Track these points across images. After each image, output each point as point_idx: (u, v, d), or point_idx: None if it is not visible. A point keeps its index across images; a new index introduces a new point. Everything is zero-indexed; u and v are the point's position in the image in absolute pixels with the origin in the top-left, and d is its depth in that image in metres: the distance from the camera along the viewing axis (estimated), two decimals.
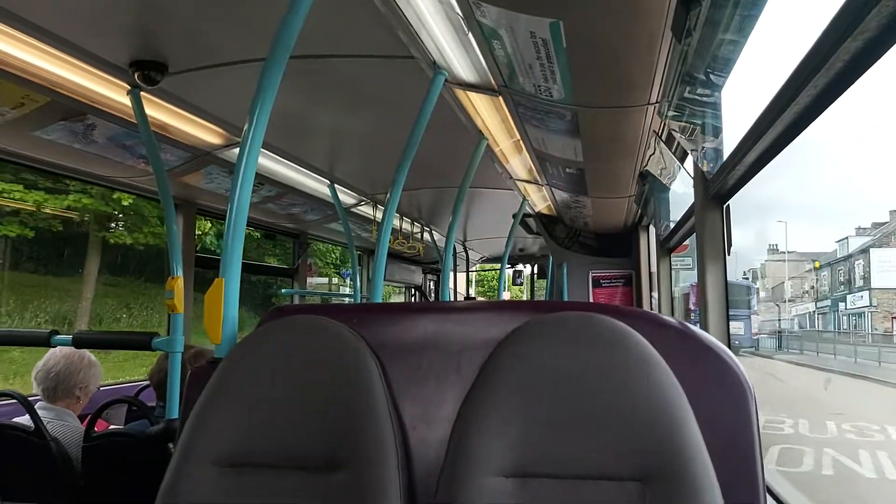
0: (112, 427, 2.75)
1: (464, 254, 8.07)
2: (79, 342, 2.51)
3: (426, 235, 6.14)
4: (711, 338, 1.06)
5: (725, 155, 1.82)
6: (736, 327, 22.34)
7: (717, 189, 1.99)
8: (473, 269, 9.52)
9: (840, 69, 1.11)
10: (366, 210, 4.97)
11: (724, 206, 2.07)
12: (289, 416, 1.07)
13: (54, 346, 2.54)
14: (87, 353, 2.65)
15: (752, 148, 1.59)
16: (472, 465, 0.97)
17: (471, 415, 1.02)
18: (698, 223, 2.16)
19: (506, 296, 13.30)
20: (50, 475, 2.30)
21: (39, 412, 2.36)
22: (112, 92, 2.47)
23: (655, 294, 4.52)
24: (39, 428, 2.29)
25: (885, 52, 1.02)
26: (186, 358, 2.67)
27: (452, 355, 1.12)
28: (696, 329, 1.07)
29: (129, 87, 2.42)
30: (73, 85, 2.37)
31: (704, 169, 1.98)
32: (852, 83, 1.15)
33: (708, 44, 1.47)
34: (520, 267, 10.33)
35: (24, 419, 2.35)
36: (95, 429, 2.35)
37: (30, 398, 2.43)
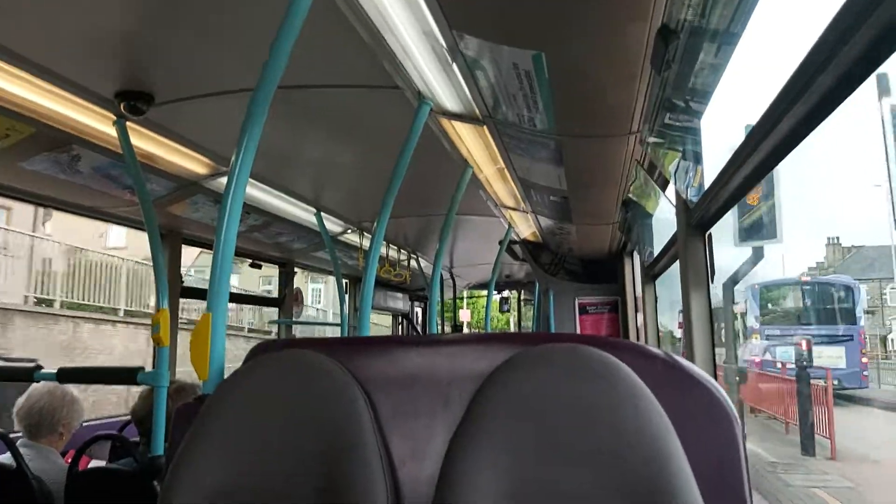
0: (95, 464, 2.71)
1: (451, 281, 8.07)
2: (63, 377, 2.48)
3: (413, 263, 6.14)
4: (698, 369, 1.07)
5: (706, 183, 1.85)
6: (832, 355, 13.47)
7: (699, 218, 2.02)
8: (461, 296, 9.50)
9: (818, 99, 1.14)
10: (352, 238, 4.97)
11: (706, 235, 2.10)
12: (276, 455, 1.06)
13: (38, 381, 2.51)
14: (70, 390, 2.61)
15: (733, 176, 1.62)
16: (463, 502, 0.97)
17: (459, 450, 1.01)
18: (681, 251, 2.18)
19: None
20: None
21: (21, 450, 2.32)
22: (97, 122, 2.47)
23: (641, 318, 4.53)
24: (21, 466, 2.24)
25: (862, 81, 1.05)
26: (169, 393, 2.64)
27: (441, 389, 1.11)
28: (683, 360, 1.08)
29: (114, 118, 2.42)
30: (58, 116, 2.37)
31: (686, 197, 2.01)
32: (831, 112, 1.18)
33: (687, 74, 1.51)
34: (506, 293, 10.33)
35: (6, 457, 2.31)
36: (79, 466, 2.31)
37: (11, 435, 2.39)
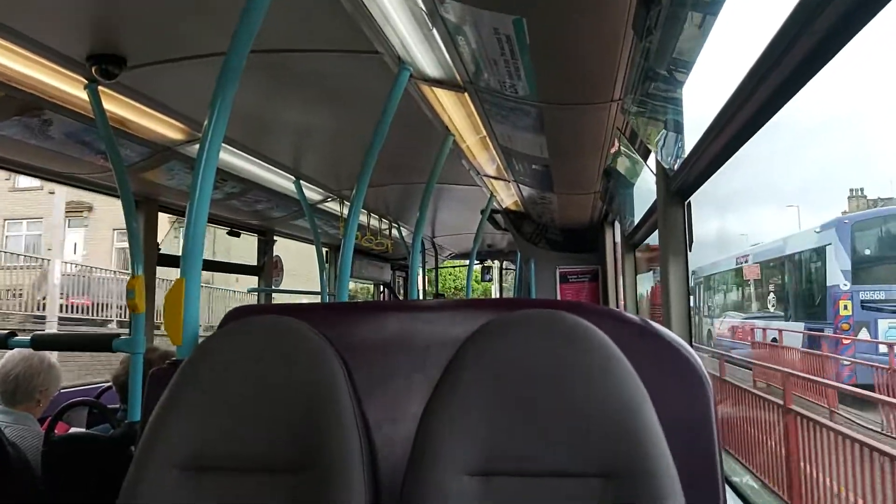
0: (73, 430, 2.70)
1: (433, 250, 8.07)
2: (37, 343, 2.45)
3: (394, 232, 6.13)
4: (672, 334, 1.08)
5: (686, 152, 1.84)
6: None
7: (679, 185, 2.02)
8: (442, 265, 9.51)
9: (796, 65, 1.13)
10: (332, 206, 4.94)
11: (686, 203, 2.10)
12: (251, 418, 1.06)
13: (12, 349, 2.48)
14: (48, 356, 2.59)
15: (712, 144, 1.61)
16: (437, 464, 0.98)
17: (435, 413, 1.02)
18: (660, 219, 2.19)
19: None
20: (8, 480, 2.24)
21: None
22: (69, 86, 2.41)
23: (621, 289, 4.57)
24: None
25: (840, 47, 1.04)
26: (152, 360, 2.62)
27: (418, 354, 1.12)
28: (658, 326, 1.09)
29: (86, 82, 2.36)
30: (28, 79, 2.31)
31: (666, 166, 2.01)
32: (810, 79, 1.17)
33: (669, 41, 1.49)
34: (489, 263, 10.36)
35: None
36: (56, 432, 2.29)
37: None
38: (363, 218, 5.34)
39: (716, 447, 1.01)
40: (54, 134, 2.73)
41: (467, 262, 6.86)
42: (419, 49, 2.12)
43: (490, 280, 11.01)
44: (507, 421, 0.99)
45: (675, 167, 1.95)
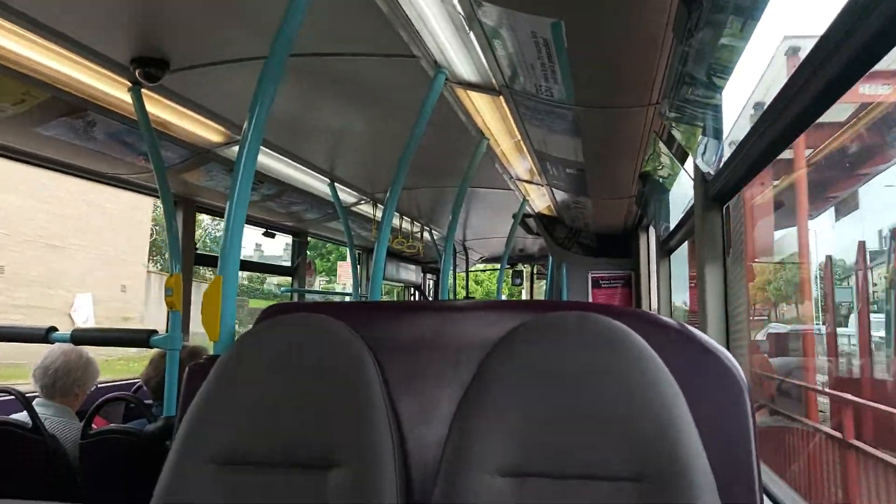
0: (110, 424, 2.75)
1: (463, 254, 8.07)
2: (77, 339, 2.51)
3: (426, 235, 6.14)
4: (709, 338, 1.06)
5: (725, 156, 1.82)
6: None
7: (717, 190, 1.99)
8: (473, 268, 9.51)
9: (839, 70, 1.11)
10: (366, 209, 4.97)
11: (724, 207, 2.07)
12: (286, 415, 1.07)
13: (52, 343, 2.54)
14: (86, 351, 2.65)
15: (752, 147, 1.59)
16: (470, 464, 0.97)
17: (468, 414, 1.02)
18: (698, 225, 2.16)
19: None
20: (47, 472, 2.30)
21: (37, 409, 2.36)
22: (113, 89, 2.47)
23: (655, 295, 4.52)
24: (37, 424, 2.28)
25: (885, 52, 1.02)
26: (181, 357, 2.67)
27: (450, 354, 1.12)
28: (694, 329, 1.08)
29: (129, 84, 2.42)
30: (73, 81, 2.37)
31: (704, 170, 1.98)
32: (852, 84, 1.15)
33: (709, 45, 1.47)
34: (519, 267, 10.32)
35: (22, 415, 2.35)
36: (93, 426, 2.34)
37: (28, 395, 2.43)
38: (395, 221, 5.37)
39: (754, 455, 0.99)
40: (97, 135, 2.80)
41: (498, 265, 6.84)
42: (456, 53, 2.12)
43: (520, 284, 10.96)
44: (541, 422, 0.98)
45: (713, 171, 1.92)
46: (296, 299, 5.56)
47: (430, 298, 8.98)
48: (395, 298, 9.78)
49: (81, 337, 2.55)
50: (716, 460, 0.94)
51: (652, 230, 4.41)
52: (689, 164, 2.39)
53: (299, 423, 1.06)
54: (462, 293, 10.06)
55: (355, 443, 1.03)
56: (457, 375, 1.09)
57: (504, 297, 9.89)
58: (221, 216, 1.98)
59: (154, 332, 2.47)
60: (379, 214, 4.40)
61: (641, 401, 0.96)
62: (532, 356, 1.02)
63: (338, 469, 1.02)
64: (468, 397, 1.04)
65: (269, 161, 3.51)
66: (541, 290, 10.19)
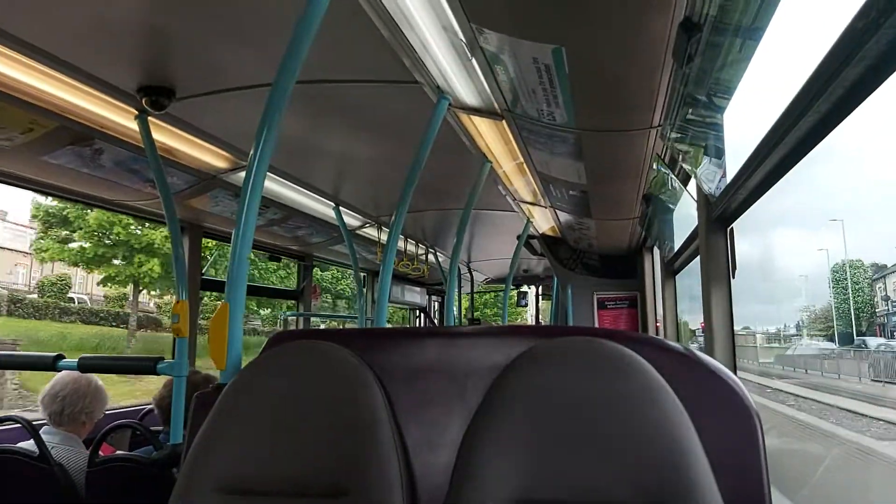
0: (117, 452, 2.75)
1: (468, 275, 8.06)
2: (84, 366, 2.51)
3: (430, 257, 6.15)
4: (716, 363, 1.05)
5: (729, 178, 1.82)
6: None
7: (721, 212, 1.99)
8: (478, 290, 9.51)
9: (842, 94, 1.12)
10: (370, 232, 4.99)
11: (728, 229, 2.07)
12: (293, 443, 1.07)
13: (60, 371, 2.54)
14: (95, 378, 2.65)
15: (755, 171, 1.59)
16: (477, 491, 0.97)
17: (476, 440, 1.01)
18: (702, 246, 2.16)
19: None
20: (54, 501, 2.29)
21: (44, 437, 2.36)
22: (119, 117, 2.50)
23: (661, 315, 4.50)
24: (44, 453, 2.28)
25: (886, 78, 1.03)
26: (196, 382, 2.67)
27: (457, 380, 1.11)
28: (701, 354, 1.07)
29: (136, 113, 2.44)
30: (81, 110, 2.40)
31: (707, 192, 1.99)
32: (855, 108, 1.15)
33: (710, 68, 1.48)
34: (524, 288, 10.29)
35: (29, 444, 2.35)
36: (100, 453, 2.34)
37: (34, 423, 2.43)
38: (400, 243, 5.37)
39: (764, 479, 0.99)
40: (105, 162, 2.83)
41: (503, 286, 6.83)
42: (458, 79, 2.15)
43: (525, 305, 10.92)
44: (549, 449, 0.98)
45: (717, 193, 1.93)
46: (301, 323, 5.56)
47: (436, 320, 8.96)
48: (402, 320, 9.75)
49: (89, 364, 2.55)
50: (725, 485, 0.93)
51: (657, 250, 4.40)
52: (692, 185, 2.40)
53: (306, 452, 1.06)
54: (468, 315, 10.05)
55: (363, 471, 1.03)
56: (464, 402, 1.09)
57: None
58: (227, 241, 1.98)
59: (161, 359, 2.47)
60: (384, 238, 4.41)
61: (650, 427, 0.96)
62: (540, 382, 1.02)
63: (345, 498, 1.01)
64: (476, 424, 1.03)
65: (274, 186, 3.54)
66: (546, 311, 10.16)
